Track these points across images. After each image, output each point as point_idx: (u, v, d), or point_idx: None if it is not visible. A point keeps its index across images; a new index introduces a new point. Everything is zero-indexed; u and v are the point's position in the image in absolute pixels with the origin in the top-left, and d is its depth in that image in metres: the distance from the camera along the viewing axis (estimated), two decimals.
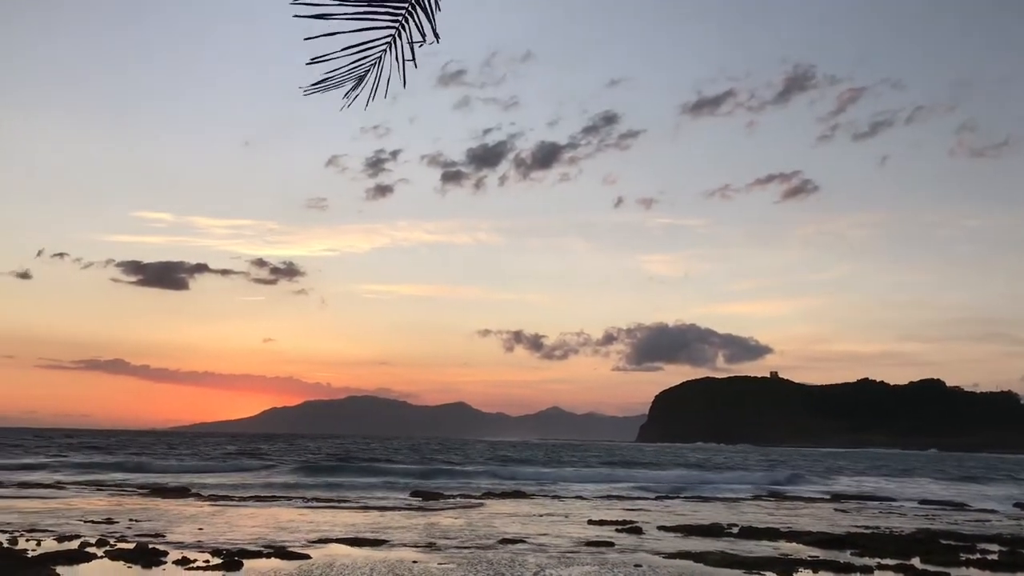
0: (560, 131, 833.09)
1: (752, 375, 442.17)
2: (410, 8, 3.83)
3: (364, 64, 3.90)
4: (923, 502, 41.23)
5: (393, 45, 3.91)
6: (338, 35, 3.77)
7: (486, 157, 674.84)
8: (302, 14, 3.62)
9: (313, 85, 3.96)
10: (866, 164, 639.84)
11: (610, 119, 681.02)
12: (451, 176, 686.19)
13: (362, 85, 4.02)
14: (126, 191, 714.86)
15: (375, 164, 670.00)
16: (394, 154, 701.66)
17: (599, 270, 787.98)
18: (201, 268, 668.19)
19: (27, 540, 18.24)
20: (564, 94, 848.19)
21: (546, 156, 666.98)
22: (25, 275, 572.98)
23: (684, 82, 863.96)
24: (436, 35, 3.88)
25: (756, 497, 41.96)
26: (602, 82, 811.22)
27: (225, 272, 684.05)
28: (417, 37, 3.87)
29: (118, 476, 43.52)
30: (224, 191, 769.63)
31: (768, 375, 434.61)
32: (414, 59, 3.94)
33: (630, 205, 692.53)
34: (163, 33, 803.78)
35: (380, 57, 3.93)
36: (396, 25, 3.84)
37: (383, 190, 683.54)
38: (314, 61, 3.83)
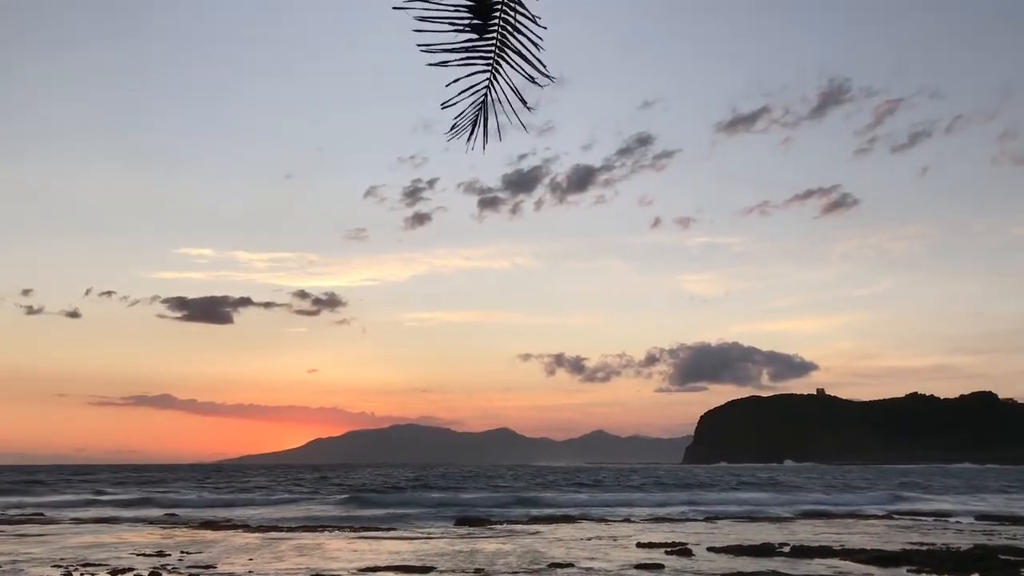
0: (595, 154, 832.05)
1: (798, 392, 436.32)
2: (498, 50, 3.84)
3: (474, 107, 3.97)
4: (980, 517, 40.25)
5: (491, 88, 3.92)
6: (459, 80, 3.85)
7: (522, 182, 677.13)
8: (426, 50, 3.71)
9: (450, 131, 4.06)
10: (906, 176, 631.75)
11: (644, 140, 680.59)
12: (488, 202, 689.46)
13: (476, 128, 4.06)
14: (169, 228, 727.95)
15: (413, 193, 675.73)
16: (431, 183, 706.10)
17: (639, 291, 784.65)
18: (244, 302, 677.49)
19: (81, 574, 18.48)
20: (597, 117, 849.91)
21: (581, 179, 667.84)
22: (74, 314, 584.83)
23: (718, 100, 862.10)
24: (546, 75, 3.85)
25: (805, 515, 41.24)
26: (635, 104, 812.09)
27: (268, 305, 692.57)
28: (521, 81, 3.90)
29: (168, 509, 43.96)
30: (265, 225, 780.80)
31: (815, 392, 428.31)
32: (524, 103, 3.94)
33: (667, 225, 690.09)
34: (202, 70, 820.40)
35: (484, 100, 3.97)
36: (490, 69, 3.88)
37: (421, 218, 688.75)
38: (447, 106, 3.92)
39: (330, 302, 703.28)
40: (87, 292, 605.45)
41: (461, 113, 3.99)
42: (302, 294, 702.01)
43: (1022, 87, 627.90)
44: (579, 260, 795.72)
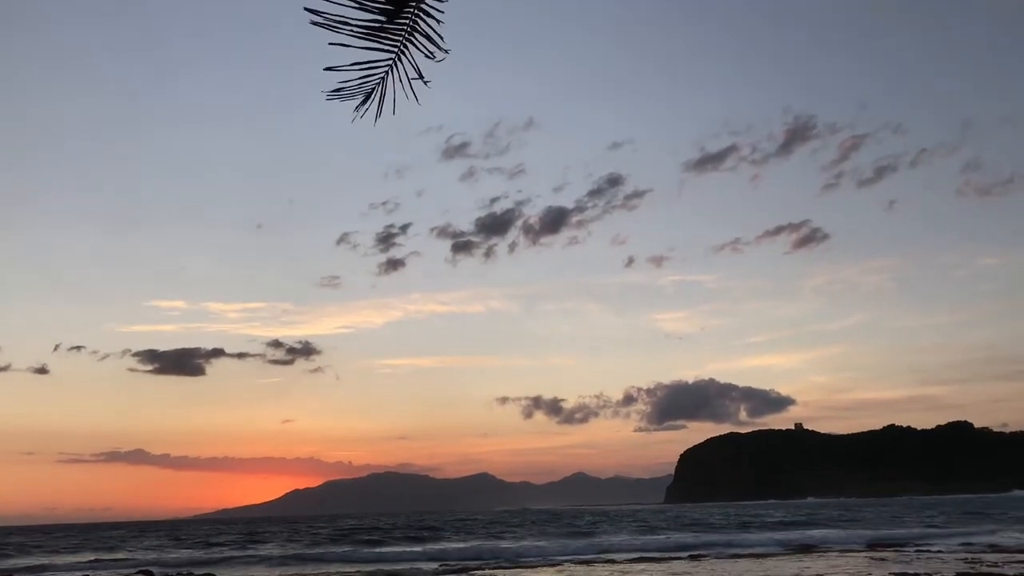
0: (566, 195, 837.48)
1: (776, 428, 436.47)
2: (407, 34, 4.03)
3: (371, 81, 4.10)
4: (961, 545, 40.35)
5: (395, 66, 4.12)
6: (350, 48, 4.02)
7: (495, 225, 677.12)
8: (317, 22, 3.84)
9: (331, 91, 4.17)
10: (874, 210, 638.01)
11: (615, 181, 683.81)
12: (461, 246, 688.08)
13: (370, 100, 4.22)
14: (139, 281, 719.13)
15: (385, 239, 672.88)
16: (404, 228, 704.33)
17: (614, 331, 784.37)
18: (217, 353, 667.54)
19: None
20: (568, 159, 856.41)
21: (554, 221, 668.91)
22: (42, 370, 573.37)
23: (685, 140, 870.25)
24: (443, 50, 4.08)
25: (788, 550, 41.16)
26: (604, 145, 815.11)
27: (241, 355, 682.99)
28: (421, 56, 4.07)
29: (144, 567, 43.08)
30: (237, 275, 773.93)
31: (793, 427, 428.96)
32: (421, 77, 4.14)
33: (641, 264, 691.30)
34: (169, 121, 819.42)
35: (384, 76, 4.13)
36: (396, 49, 4.05)
37: (395, 264, 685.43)
38: (330, 69, 4.06)
39: (305, 351, 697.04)
40: (56, 347, 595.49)
41: (349, 80, 4.13)
42: (276, 343, 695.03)
43: (983, 120, 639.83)
44: (554, 302, 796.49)
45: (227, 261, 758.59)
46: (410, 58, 4.12)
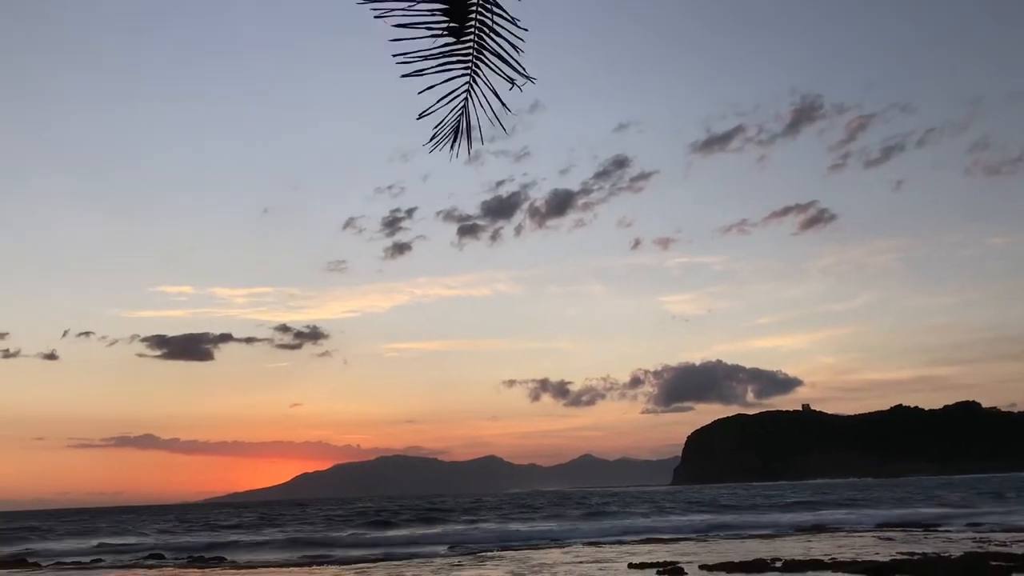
0: (572, 178, 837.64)
1: (784, 409, 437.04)
2: (476, 53, 3.81)
3: (456, 113, 3.90)
4: (970, 526, 40.36)
5: (471, 93, 3.88)
6: (435, 87, 3.81)
7: (501, 209, 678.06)
8: (403, 61, 3.68)
9: (430, 143, 4.00)
10: (881, 190, 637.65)
11: (621, 163, 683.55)
12: (467, 230, 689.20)
13: (459, 135, 4.00)
14: (147, 267, 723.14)
15: (392, 223, 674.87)
16: (410, 212, 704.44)
17: (621, 313, 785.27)
18: (225, 338, 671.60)
19: None
20: (574, 141, 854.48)
21: (560, 203, 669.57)
22: (52, 356, 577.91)
23: (692, 121, 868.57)
24: (525, 76, 3.82)
25: (795, 530, 41.23)
26: (610, 126, 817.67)
27: (249, 340, 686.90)
28: (500, 83, 3.87)
29: (154, 550, 43.35)
30: (244, 260, 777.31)
31: (800, 408, 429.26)
32: (505, 106, 3.90)
33: (647, 246, 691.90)
34: (177, 107, 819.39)
35: (464, 105, 3.90)
36: (469, 73, 3.85)
37: (401, 248, 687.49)
38: (423, 116, 3.87)
39: (312, 335, 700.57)
40: (64, 333, 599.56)
41: (441, 122, 3.96)
42: (283, 328, 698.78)
43: (991, 98, 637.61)
44: (560, 284, 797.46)
45: (234, 246, 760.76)
46: (486, 81, 3.86)
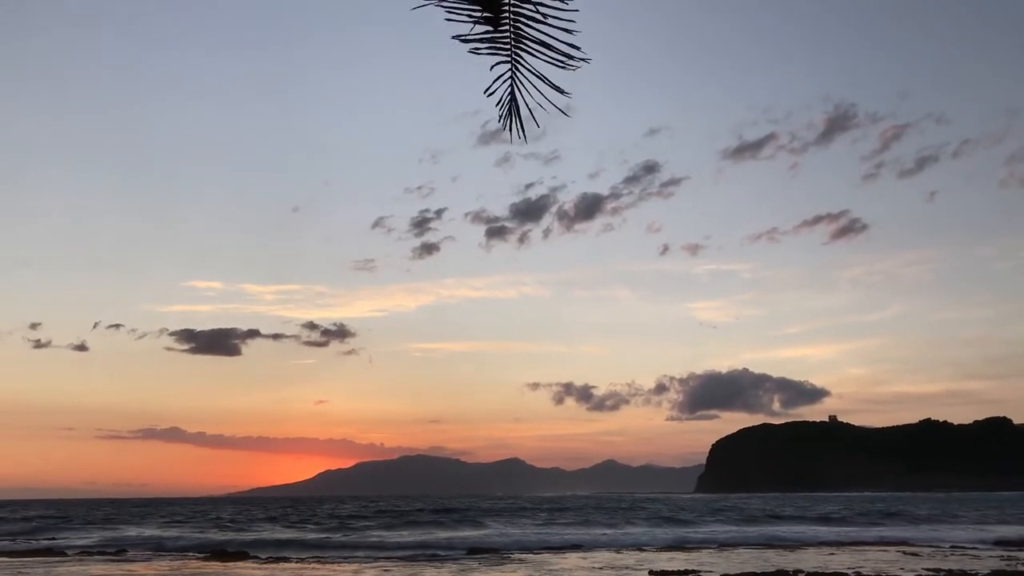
0: (602, 182, 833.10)
1: (810, 420, 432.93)
2: (514, 41, 3.95)
3: (506, 97, 4.08)
4: (997, 543, 39.76)
5: (515, 79, 4.04)
6: (493, 66, 4.04)
7: (529, 211, 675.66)
8: (469, 49, 3.83)
9: (500, 121, 4.17)
10: (914, 201, 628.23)
11: (651, 168, 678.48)
12: (495, 232, 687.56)
13: (512, 116, 4.16)
14: (177, 261, 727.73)
15: (420, 224, 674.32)
16: (439, 213, 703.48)
17: (647, 319, 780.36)
18: (253, 334, 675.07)
19: None
20: (604, 145, 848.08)
21: (589, 207, 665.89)
22: (82, 347, 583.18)
23: (723, 127, 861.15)
24: (576, 58, 3.96)
25: (820, 543, 40.83)
26: (641, 131, 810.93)
27: (277, 337, 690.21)
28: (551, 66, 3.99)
29: (178, 542, 43.79)
30: (273, 257, 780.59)
31: (827, 419, 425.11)
32: (557, 88, 4.06)
33: (676, 252, 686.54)
34: (209, 103, 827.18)
35: (511, 89, 4.07)
36: (510, 59, 3.98)
37: (429, 248, 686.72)
38: (489, 93, 4.06)
39: (339, 333, 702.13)
40: (95, 325, 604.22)
41: (500, 101, 4.10)
42: (311, 325, 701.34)
43: None
44: (587, 289, 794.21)
45: (263, 243, 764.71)
46: (529, 67, 4.00)
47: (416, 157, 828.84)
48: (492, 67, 3.99)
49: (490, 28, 3.90)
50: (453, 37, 3.85)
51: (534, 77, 4.01)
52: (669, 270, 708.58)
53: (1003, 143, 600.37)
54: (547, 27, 3.89)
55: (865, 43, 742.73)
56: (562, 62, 3.94)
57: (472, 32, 3.87)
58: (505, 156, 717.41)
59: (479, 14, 3.87)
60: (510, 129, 4.19)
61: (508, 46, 3.95)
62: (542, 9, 3.85)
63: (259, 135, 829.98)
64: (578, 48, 3.92)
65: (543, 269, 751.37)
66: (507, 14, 3.89)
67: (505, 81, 4.03)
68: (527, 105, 4.10)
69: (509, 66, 4.00)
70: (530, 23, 3.90)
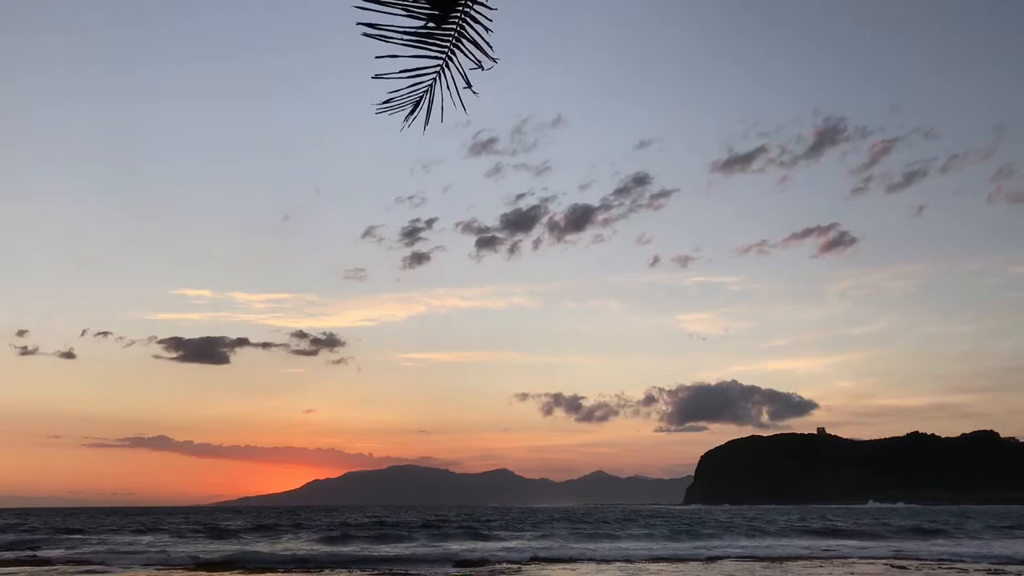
0: (592, 193, 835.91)
1: (798, 432, 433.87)
2: (455, 40, 4.08)
3: (419, 89, 4.16)
4: (985, 558, 39.83)
5: (442, 74, 4.17)
6: (398, 58, 4.10)
7: (520, 222, 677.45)
8: (368, 33, 3.90)
9: (381, 104, 4.25)
10: (903, 215, 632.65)
11: (641, 180, 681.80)
12: (485, 242, 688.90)
13: (418, 109, 4.29)
14: (166, 269, 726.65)
15: (411, 233, 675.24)
16: (429, 222, 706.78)
17: (636, 330, 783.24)
18: (242, 342, 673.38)
19: None
20: (595, 157, 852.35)
21: (579, 218, 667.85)
22: (70, 355, 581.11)
23: (714, 140, 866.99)
24: (492, 59, 4.12)
25: (809, 557, 40.82)
26: (632, 143, 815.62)
27: (266, 345, 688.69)
28: (470, 64, 4.13)
29: (164, 553, 43.46)
30: (263, 266, 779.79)
31: (815, 431, 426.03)
32: (469, 86, 4.20)
33: (665, 264, 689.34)
34: (200, 111, 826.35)
35: (432, 84, 4.16)
36: (443, 56, 4.08)
37: (419, 258, 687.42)
38: (378, 77, 4.15)
39: (328, 342, 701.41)
40: (83, 333, 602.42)
41: (398, 89, 4.18)
42: (300, 334, 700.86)
43: (1016, 125, 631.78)
44: (577, 299, 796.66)
45: (253, 251, 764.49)
46: (457, 65, 4.16)
47: (407, 167, 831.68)
48: (382, 56, 4.06)
49: (431, 25, 4.02)
50: (364, 34, 3.93)
51: (456, 73, 4.17)
52: (659, 282, 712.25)
53: (991, 158, 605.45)
54: (480, 27, 4.06)
55: (855, 58, 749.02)
56: (479, 61, 4.10)
57: (399, 26, 3.98)
58: (496, 167, 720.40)
59: (425, 11, 3.97)
60: (411, 118, 4.34)
61: (447, 44, 4.09)
62: (485, 11, 4.02)
63: (250, 143, 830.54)
64: (491, 46, 4.11)
65: (533, 279, 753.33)
66: (458, 14, 4.02)
67: (428, 76, 4.16)
68: (441, 97, 4.26)
69: (440, 63, 4.12)
70: (472, 23, 4.04)
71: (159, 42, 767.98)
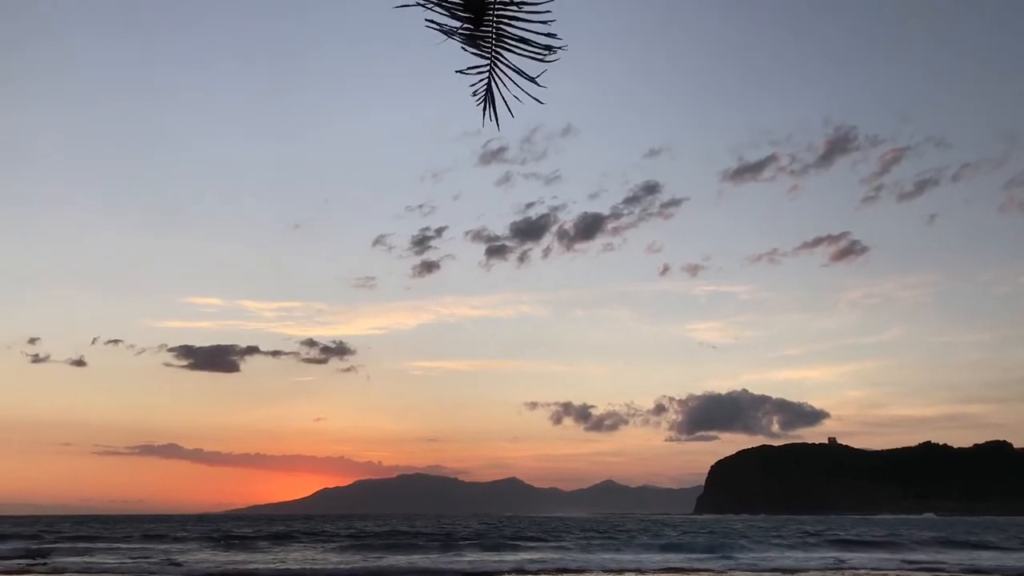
0: (602, 202, 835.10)
1: (810, 441, 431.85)
2: (494, 40, 4.16)
3: (481, 86, 4.32)
4: (997, 570, 39.53)
5: (493, 72, 4.25)
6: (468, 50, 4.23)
7: (529, 230, 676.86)
8: (433, 27, 4.03)
9: (477, 97, 4.38)
10: (914, 224, 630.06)
11: (651, 188, 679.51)
12: (495, 251, 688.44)
13: (487, 108, 4.39)
14: (177, 277, 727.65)
15: (421, 242, 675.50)
16: (439, 231, 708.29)
17: (646, 339, 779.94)
18: (252, 350, 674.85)
19: None
20: (605, 165, 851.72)
21: (589, 227, 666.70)
22: (80, 363, 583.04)
23: (724, 148, 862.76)
24: (550, 48, 4.17)
25: (820, 567, 40.60)
26: (642, 152, 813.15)
27: (276, 353, 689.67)
28: (527, 60, 4.24)
29: (172, 561, 43.51)
30: (273, 274, 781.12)
31: (827, 441, 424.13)
32: (533, 79, 4.25)
33: (676, 273, 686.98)
34: (209, 119, 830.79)
35: (488, 81, 4.29)
36: (489, 55, 4.21)
37: (429, 267, 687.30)
38: (460, 72, 4.26)
39: (338, 350, 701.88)
40: (94, 341, 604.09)
41: (478, 81, 4.27)
42: (310, 342, 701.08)
43: None
44: (586, 308, 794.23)
45: (263, 260, 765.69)
46: (507, 62, 4.21)
47: (417, 175, 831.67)
48: (465, 71, 4.16)
49: (471, 27, 4.10)
50: (427, 23, 4.00)
51: (511, 71, 4.22)
52: (669, 290, 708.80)
53: (1003, 167, 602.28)
54: (526, 23, 4.10)
55: (866, 66, 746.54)
56: (540, 55, 4.15)
57: (456, 29, 4.07)
58: (506, 175, 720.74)
59: (462, 13, 4.05)
60: (491, 119, 4.39)
61: (489, 43, 4.15)
62: (529, 10, 4.07)
63: (260, 152, 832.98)
64: (555, 35, 4.14)
65: (543, 288, 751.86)
66: (491, 14, 4.08)
67: (483, 74, 4.23)
68: (503, 97, 4.31)
69: (488, 61, 4.19)
70: (512, 22, 4.10)
71: (166, 54, 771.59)
